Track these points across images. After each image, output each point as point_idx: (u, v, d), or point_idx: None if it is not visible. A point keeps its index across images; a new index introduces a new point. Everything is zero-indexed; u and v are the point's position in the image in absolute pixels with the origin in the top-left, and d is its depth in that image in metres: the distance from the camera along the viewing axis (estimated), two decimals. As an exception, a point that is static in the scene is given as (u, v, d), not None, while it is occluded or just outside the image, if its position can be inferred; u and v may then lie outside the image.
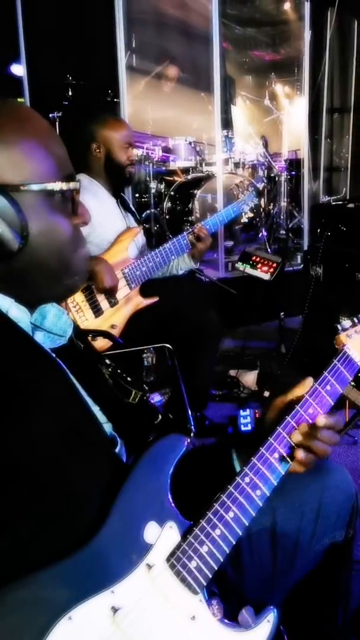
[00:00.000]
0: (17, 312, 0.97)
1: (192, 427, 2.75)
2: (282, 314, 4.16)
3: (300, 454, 1.09)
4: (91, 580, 0.86)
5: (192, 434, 2.70)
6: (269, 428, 1.13)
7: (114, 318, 2.74)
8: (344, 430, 2.05)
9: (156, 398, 3.26)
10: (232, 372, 3.86)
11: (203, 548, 0.97)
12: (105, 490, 0.94)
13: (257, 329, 4.43)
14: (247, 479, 1.06)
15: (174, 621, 0.92)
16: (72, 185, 0.98)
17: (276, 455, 1.10)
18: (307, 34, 5.51)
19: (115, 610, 0.86)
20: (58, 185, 0.96)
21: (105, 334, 2.45)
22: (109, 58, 4.85)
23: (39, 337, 1.03)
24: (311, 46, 5.61)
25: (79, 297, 2.64)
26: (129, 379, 1.15)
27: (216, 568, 0.98)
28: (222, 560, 0.99)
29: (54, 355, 1.02)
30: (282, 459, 1.10)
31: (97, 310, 2.68)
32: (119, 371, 1.15)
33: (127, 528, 0.92)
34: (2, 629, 0.77)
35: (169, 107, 5.95)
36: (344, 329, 1.33)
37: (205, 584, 0.96)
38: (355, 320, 1.35)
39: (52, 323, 1.03)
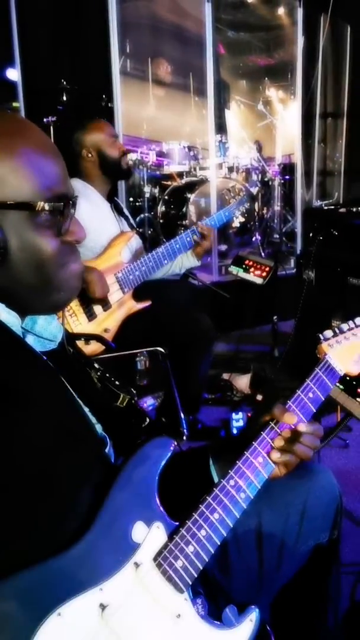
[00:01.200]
0: (7, 317, 0.98)
1: (185, 430, 2.78)
2: (275, 317, 4.19)
3: (282, 456, 1.14)
4: (80, 578, 0.89)
5: (184, 437, 2.73)
6: (251, 436, 1.17)
7: (107, 322, 2.77)
8: (334, 433, 2.09)
9: (149, 401, 3.29)
10: (225, 376, 3.89)
11: (189, 548, 1.00)
12: (95, 490, 0.96)
13: (250, 332, 4.46)
14: (232, 482, 1.09)
15: (160, 619, 0.95)
16: (57, 206, 0.97)
17: (260, 459, 1.13)
18: (300, 40, 5.55)
19: (103, 607, 0.89)
20: (42, 205, 0.95)
21: (98, 338, 2.47)
22: (103, 63, 4.87)
23: (29, 340, 1.04)
24: (304, 51, 5.65)
25: (72, 302, 2.67)
26: (117, 382, 1.17)
27: (201, 567, 1.01)
28: (207, 560, 1.02)
29: (44, 357, 1.05)
30: (265, 463, 1.14)
31: (90, 315, 2.71)
32: (107, 375, 1.17)
33: (116, 527, 0.95)
34: None
35: (163, 111, 5.98)
36: (326, 339, 1.37)
37: (190, 582, 0.99)
38: (337, 330, 1.39)
39: (43, 328, 1.05)
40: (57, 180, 0.99)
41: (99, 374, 1.16)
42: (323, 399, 1.26)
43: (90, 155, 2.92)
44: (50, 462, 0.91)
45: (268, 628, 1.46)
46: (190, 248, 3.02)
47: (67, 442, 0.96)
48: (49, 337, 1.06)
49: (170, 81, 6.04)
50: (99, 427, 1.13)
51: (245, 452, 1.13)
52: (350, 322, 1.43)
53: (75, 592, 0.87)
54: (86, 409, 1.10)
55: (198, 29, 5.25)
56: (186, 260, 3.08)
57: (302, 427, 1.16)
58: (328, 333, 1.39)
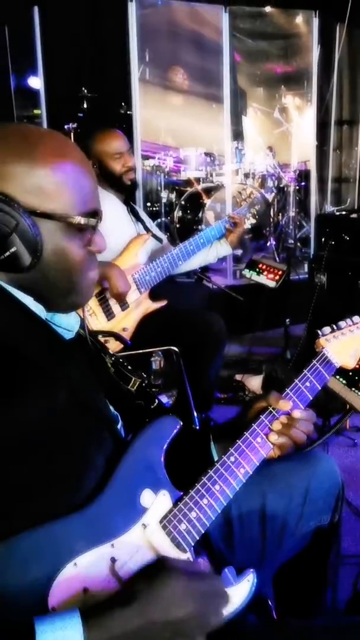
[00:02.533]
0: (35, 308, 1.10)
1: (197, 427, 2.87)
2: (287, 320, 4.26)
3: (279, 438, 1.27)
4: (94, 534, 0.99)
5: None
6: (249, 420, 1.29)
7: (125, 321, 2.86)
8: (338, 424, 2.18)
9: (163, 399, 3.38)
10: (238, 377, 3.97)
11: (192, 514, 1.12)
12: (108, 459, 1.07)
13: (263, 335, 4.53)
14: (232, 458, 1.21)
15: None
16: (91, 221, 1.09)
17: (259, 439, 1.25)
18: (316, 48, 5.64)
19: (114, 560, 0.99)
20: (77, 219, 1.06)
21: (113, 335, 2.57)
22: (122, 71, 5.01)
23: None
24: (320, 60, 5.74)
25: (92, 302, 2.76)
26: (129, 367, 1.30)
27: (203, 531, 1.12)
28: (208, 525, 1.13)
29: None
30: (264, 443, 1.26)
31: (109, 314, 2.80)
32: (120, 360, 1.29)
33: (126, 493, 1.06)
34: (17, 569, 0.91)
35: (181, 118, 6.10)
36: (324, 334, 1.48)
37: (192, 544, 1.10)
38: (335, 327, 1.50)
39: (62, 318, 1.16)
40: (91, 196, 1.10)
41: (112, 359, 1.28)
42: (319, 387, 1.38)
43: (95, 166, 3.00)
44: (69, 428, 1.02)
45: (269, 603, 1.57)
46: (222, 237, 3.16)
47: (84, 414, 1.07)
48: (67, 327, 1.17)
49: (187, 88, 6.16)
50: (111, 408, 1.24)
51: (245, 433, 1.25)
52: (348, 320, 1.54)
53: (89, 546, 0.98)
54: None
55: (216, 37, 5.36)
56: (220, 249, 3.20)
57: (297, 414, 1.28)
58: (326, 329, 1.50)
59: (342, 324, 1.52)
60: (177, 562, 1.05)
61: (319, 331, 1.49)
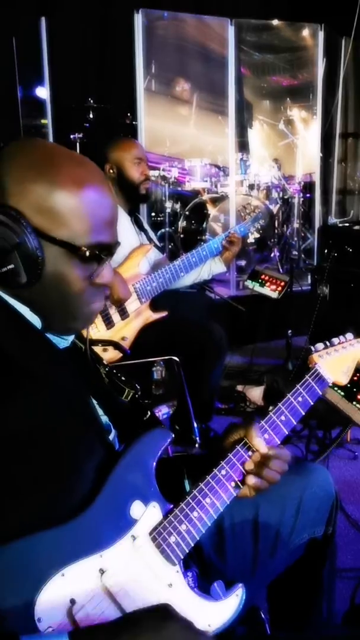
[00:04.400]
0: (31, 317, 1.10)
1: (197, 437, 2.87)
2: (289, 331, 4.26)
3: (251, 479, 1.23)
4: (83, 545, 1.00)
5: (196, 445, 2.81)
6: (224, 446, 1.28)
7: (125, 330, 2.87)
8: (339, 437, 2.19)
9: (164, 410, 3.37)
10: (239, 387, 3.97)
11: (182, 527, 1.12)
12: (99, 470, 1.08)
13: (265, 346, 4.54)
14: (223, 472, 1.21)
15: (153, 586, 1.06)
16: (96, 255, 1.06)
17: (250, 453, 1.25)
18: (321, 62, 5.67)
19: (102, 571, 1.00)
20: (83, 251, 1.04)
21: (113, 344, 2.58)
22: (128, 82, 5.03)
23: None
24: (326, 73, 5.77)
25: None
26: (123, 378, 1.30)
27: (192, 544, 1.12)
28: (198, 538, 1.13)
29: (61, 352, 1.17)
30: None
31: (109, 323, 2.82)
32: (114, 371, 1.30)
33: (116, 504, 1.06)
34: (3, 578, 0.91)
35: (186, 129, 6.13)
36: (317, 350, 1.48)
37: (182, 557, 1.10)
38: (328, 343, 1.50)
39: None
40: (104, 228, 1.08)
41: (107, 369, 1.29)
42: (312, 403, 1.38)
43: (112, 171, 3.05)
44: (58, 433, 1.03)
45: (262, 615, 1.56)
46: (218, 254, 3.18)
47: (75, 421, 1.08)
48: (64, 336, 1.18)
49: (192, 99, 6.19)
50: (105, 419, 1.24)
51: (237, 446, 1.25)
52: (341, 337, 1.55)
53: (78, 557, 0.98)
54: (94, 402, 1.22)
55: (222, 49, 5.39)
56: (214, 266, 3.22)
57: (271, 451, 1.25)
58: (319, 345, 1.50)
59: (335, 340, 1.52)
60: (182, 616, 0.98)
61: (312, 347, 1.49)
